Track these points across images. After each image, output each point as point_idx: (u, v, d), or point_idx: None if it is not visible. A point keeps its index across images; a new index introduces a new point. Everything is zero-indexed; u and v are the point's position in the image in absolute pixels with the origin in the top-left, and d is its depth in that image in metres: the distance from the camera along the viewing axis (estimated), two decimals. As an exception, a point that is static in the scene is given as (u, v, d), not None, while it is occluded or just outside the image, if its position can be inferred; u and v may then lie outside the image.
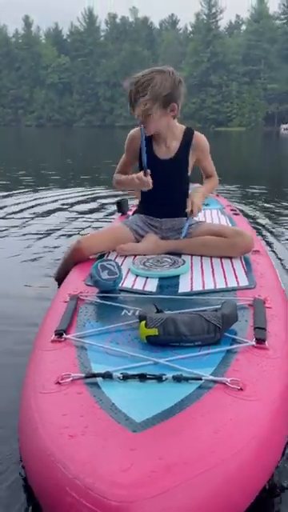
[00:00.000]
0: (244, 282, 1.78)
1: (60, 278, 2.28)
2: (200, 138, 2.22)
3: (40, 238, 3.52)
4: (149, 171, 2.07)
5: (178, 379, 1.09)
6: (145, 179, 2.07)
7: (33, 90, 68.20)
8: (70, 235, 3.59)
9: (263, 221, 4.25)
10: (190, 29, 68.56)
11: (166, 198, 2.22)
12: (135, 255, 2.11)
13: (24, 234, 3.68)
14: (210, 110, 56.93)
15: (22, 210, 4.77)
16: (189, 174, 2.25)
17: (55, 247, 3.22)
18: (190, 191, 2.27)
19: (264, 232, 3.75)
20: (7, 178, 7.55)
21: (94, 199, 5.47)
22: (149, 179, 2.07)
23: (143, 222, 2.27)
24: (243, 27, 68.50)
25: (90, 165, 10.42)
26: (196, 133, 2.23)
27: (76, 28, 71.42)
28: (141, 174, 2.09)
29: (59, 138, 29.27)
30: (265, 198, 5.55)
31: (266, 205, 5.14)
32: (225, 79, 60.87)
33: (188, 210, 2.12)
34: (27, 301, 2.28)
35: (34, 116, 67.70)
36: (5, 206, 4.98)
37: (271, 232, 3.76)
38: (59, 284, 2.29)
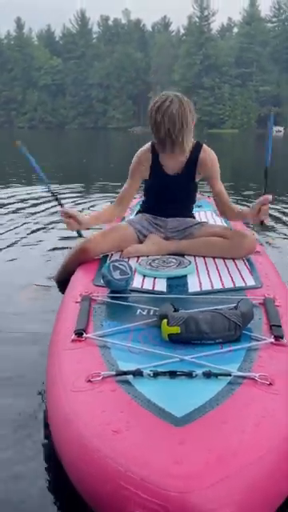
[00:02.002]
0: (251, 281, 1.82)
1: (62, 278, 2.29)
2: (206, 153, 2.20)
3: (33, 242, 3.51)
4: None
5: (207, 375, 1.12)
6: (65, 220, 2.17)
7: (25, 92, 68.04)
8: (66, 237, 3.58)
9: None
10: (182, 31, 68.86)
11: (173, 198, 2.26)
12: (139, 256, 2.13)
13: (14, 238, 3.67)
14: (202, 112, 57.06)
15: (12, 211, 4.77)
16: (196, 180, 2.26)
17: (49, 250, 3.23)
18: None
19: (263, 232, 3.78)
20: None
21: (86, 201, 5.48)
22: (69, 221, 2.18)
23: (147, 221, 2.28)
24: (235, 30, 68.85)
25: (81, 167, 10.42)
26: (204, 148, 2.21)
27: (68, 30, 71.39)
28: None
29: (52, 139, 29.20)
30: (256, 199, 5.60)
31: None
32: (217, 81, 61.14)
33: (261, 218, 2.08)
34: (25, 304, 2.28)
35: (26, 118, 67.51)
36: None
37: (262, 233, 3.77)
38: (61, 285, 2.31)
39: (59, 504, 1.08)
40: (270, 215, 4.69)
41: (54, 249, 3.26)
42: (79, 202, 5.56)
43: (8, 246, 3.38)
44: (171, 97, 2.00)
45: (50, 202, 5.25)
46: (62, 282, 2.30)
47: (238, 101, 60.40)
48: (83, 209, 4.89)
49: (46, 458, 1.21)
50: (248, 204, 5.27)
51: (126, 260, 1.87)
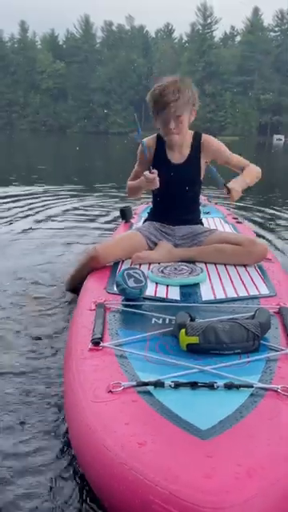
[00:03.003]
0: (264, 290, 1.81)
1: (72, 285, 2.29)
2: (208, 138, 2.29)
3: (42, 246, 3.53)
4: (155, 171, 2.12)
5: (229, 387, 1.11)
6: (151, 176, 2.11)
7: (27, 95, 68.09)
8: (72, 243, 3.60)
9: (263, 230, 4.31)
10: (185, 38, 69.22)
11: (178, 202, 2.25)
12: (150, 263, 2.13)
13: (26, 242, 3.68)
14: (203, 120, 57.28)
15: (25, 217, 4.79)
16: (201, 177, 2.28)
17: (58, 256, 3.24)
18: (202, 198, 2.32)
19: (269, 239, 3.81)
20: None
21: (96, 207, 5.51)
22: (155, 176, 2.11)
23: (156, 229, 2.30)
24: (238, 38, 69.21)
25: (88, 171, 10.44)
26: (204, 135, 2.30)
27: (72, 34, 71.69)
28: (147, 172, 2.14)
29: (54, 142, 29.24)
30: (262, 207, 5.61)
31: (264, 214, 5.20)
32: (218, 89, 61.37)
33: (227, 187, 2.12)
34: (33, 308, 2.28)
35: (28, 120, 67.53)
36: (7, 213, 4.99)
37: (270, 241, 3.81)
38: (72, 291, 2.31)
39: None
40: (280, 225, 4.72)
41: (59, 255, 3.27)
42: (79, 202, 5.59)
43: (12, 252, 3.38)
44: (172, 77, 2.10)
45: (56, 209, 5.25)
46: (72, 287, 2.30)
47: (239, 108, 60.61)
48: (84, 207, 4.91)
49: (66, 468, 1.21)
50: (252, 211, 5.29)
51: (140, 268, 1.88)
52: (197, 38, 64.02)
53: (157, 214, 2.35)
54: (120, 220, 3.19)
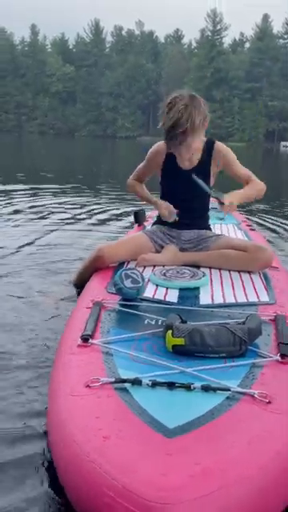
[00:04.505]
0: (264, 297, 1.80)
1: (79, 284, 2.32)
2: (220, 147, 2.27)
3: (54, 247, 3.60)
4: (177, 218, 2.22)
5: (206, 389, 1.12)
6: (167, 215, 2.21)
7: (36, 98, 68.51)
8: (86, 244, 3.67)
9: (275, 238, 4.27)
10: (194, 44, 69.40)
11: (186, 208, 2.25)
12: (154, 265, 2.14)
13: (38, 241, 3.75)
14: (211, 125, 56.94)
15: (39, 218, 4.86)
16: (211, 183, 2.28)
17: (69, 255, 3.29)
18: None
19: (279, 249, 3.77)
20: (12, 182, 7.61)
21: (108, 210, 5.56)
22: (172, 217, 2.21)
23: (162, 232, 2.32)
24: (247, 45, 69.30)
25: (91, 174, 10.49)
26: (217, 143, 2.28)
27: (82, 38, 72.13)
28: (171, 208, 2.20)
29: (62, 146, 29.38)
30: (274, 215, 5.59)
31: (274, 221, 5.18)
32: (227, 95, 61.46)
33: (221, 200, 2.06)
34: (44, 307, 2.31)
35: (36, 123, 67.90)
36: (20, 213, 5.06)
37: (282, 249, 3.79)
38: (78, 290, 2.34)
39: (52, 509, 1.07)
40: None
41: (70, 255, 3.32)
42: (87, 206, 5.62)
43: (25, 252, 3.43)
44: (183, 94, 2.05)
45: (73, 210, 5.32)
46: (79, 285, 2.34)
47: (247, 115, 60.62)
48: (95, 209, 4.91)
49: (42, 463, 1.21)
50: (264, 219, 5.27)
51: (139, 269, 1.90)
52: (206, 43, 64.16)
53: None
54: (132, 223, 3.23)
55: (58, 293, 2.49)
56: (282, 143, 48.89)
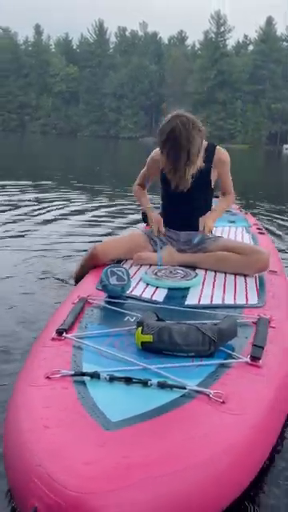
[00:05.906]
0: (253, 300, 1.79)
1: (77, 280, 2.34)
2: (221, 154, 2.25)
3: (55, 244, 3.60)
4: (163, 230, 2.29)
5: (162, 386, 1.12)
6: (155, 229, 2.26)
7: (40, 98, 68.64)
8: (89, 241, 3.65)
9: (279, 242, 4.19)
10: (198, 46, 69.43)
11: (186, 209, 2.26)
12: (151, 265, 2.15)
13: (40, 240, 3.75)
14: (214, 127, 57.33)
15: (42, 213, 4.90)
16: (212, 186, 2.28)
17: (71, 253, 3.31)
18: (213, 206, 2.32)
19: (283, 253, 3.67)
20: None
21: (109, 208, 5.57)
22: (159, 230, 2.26)
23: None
24: (250, 47, 69.30)
25: (94, 174, 10.49)
26: (218, 148, 2.26)
27: (86, 39, 72.21)
28: (160, 223, 2.27)
29: (65, 146, 29.43)
30: (277, 219, 5.52)
31: (281, 225, 5.13)
32: (230, 97, 61.49)
33: (200, 229, 2.19)
34: (44, 302, 2.32)
35: (39, 123, 68.03)
36: (24, 210, 5.09)
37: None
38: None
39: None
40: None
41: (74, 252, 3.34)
42: (88, 205, 5.63)
43: (26, 249, 3.44)
44: (177, 127, 1.95)
45: (76, 209, 5.33)
46: (77, 281, 2.36)
47: (250, 117, 60.62)
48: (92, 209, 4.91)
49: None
50: (275, 223, 5.23)
51: (127, 267, 1.91)
52: (209, 45, 64.18)
53: (164, 219, 2.35)
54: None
55: (56, 290, 2.50)
56: (285, 145, 48.80)
